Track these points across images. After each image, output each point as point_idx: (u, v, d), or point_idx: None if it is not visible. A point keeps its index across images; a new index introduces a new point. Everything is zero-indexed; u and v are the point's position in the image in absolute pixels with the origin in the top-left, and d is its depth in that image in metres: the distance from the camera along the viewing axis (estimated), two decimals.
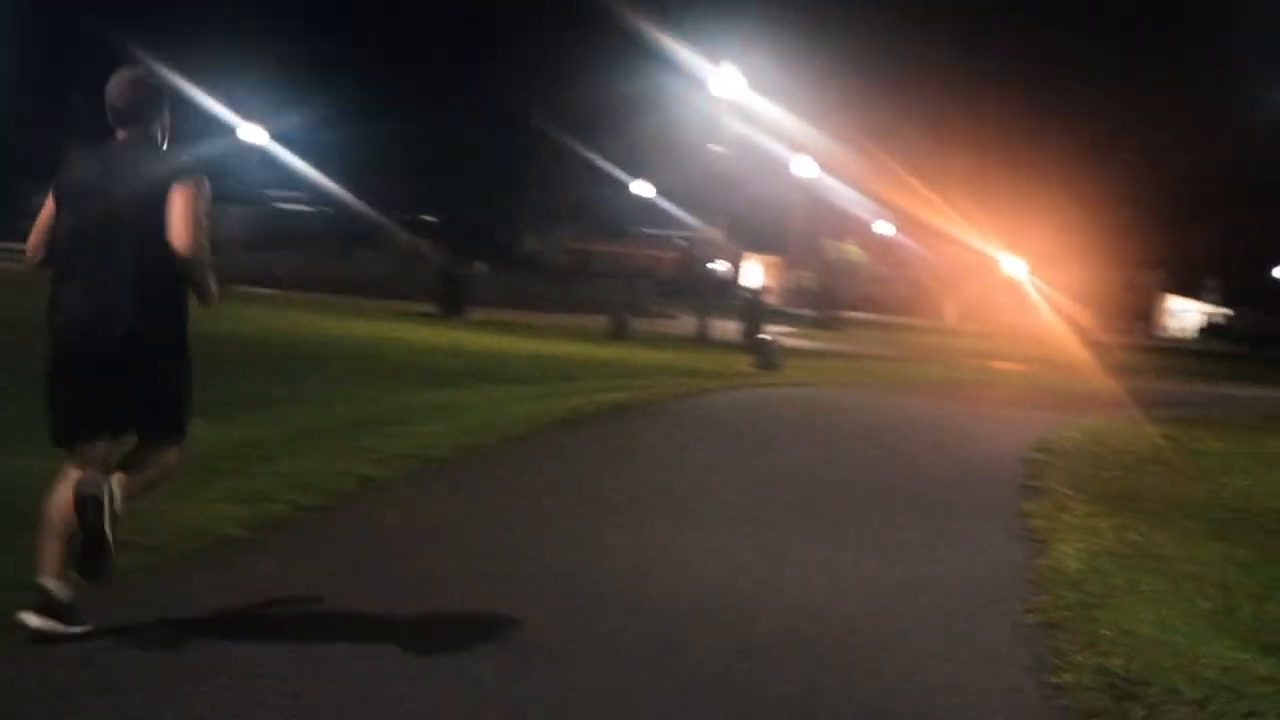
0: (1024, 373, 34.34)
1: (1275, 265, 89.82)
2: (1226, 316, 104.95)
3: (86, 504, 4.79)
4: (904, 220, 76.78)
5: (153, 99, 5.34)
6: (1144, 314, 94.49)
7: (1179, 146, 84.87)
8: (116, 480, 4.93)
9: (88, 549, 4.83)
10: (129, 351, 5.03)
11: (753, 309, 36.63)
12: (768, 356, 25.02)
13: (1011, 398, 23.53)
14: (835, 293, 68.91)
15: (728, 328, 36.36)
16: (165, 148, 5.35)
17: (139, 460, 5.16)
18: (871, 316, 72.31)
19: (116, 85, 5.27)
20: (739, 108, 38.79)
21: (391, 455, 9.39)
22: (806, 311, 62.60)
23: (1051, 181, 74.66)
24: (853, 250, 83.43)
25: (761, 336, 28.83)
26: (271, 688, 4.57)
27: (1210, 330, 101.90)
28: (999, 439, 14.89)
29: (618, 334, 32.37)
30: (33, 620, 4.83)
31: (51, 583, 4.89)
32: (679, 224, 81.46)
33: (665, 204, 75.98)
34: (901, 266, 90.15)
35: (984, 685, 5.29)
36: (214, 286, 5.18)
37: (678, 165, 65.21)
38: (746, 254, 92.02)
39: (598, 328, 33.81)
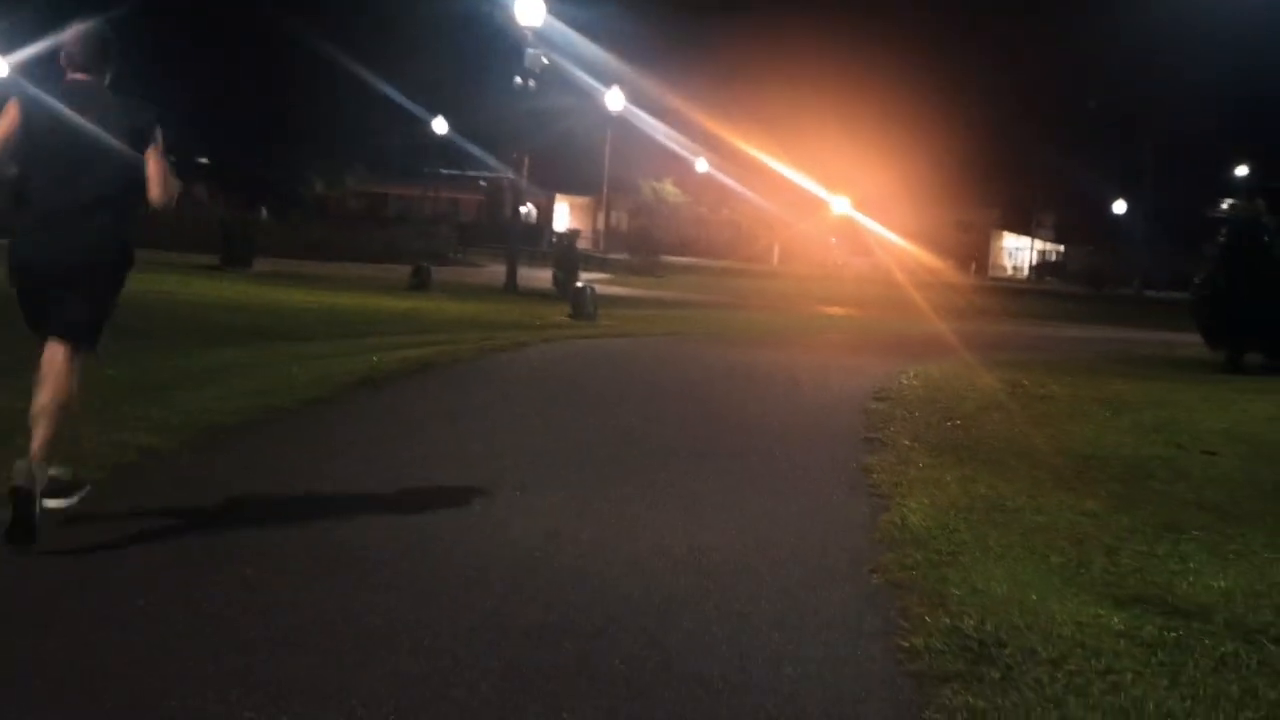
0: (856, 317, 34.99)
1: (1114, 201, 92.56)
2: (1059, 254, 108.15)
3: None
4: (725, 158, 77.33)
5: (107, 48, 6.57)
6: (977, 253, 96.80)
7: (1011, 76, 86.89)
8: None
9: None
10: (75, 277, 6.38)
11: (565, 255, 36.63)
12: (583, 306, 25.06)
13: (845, 344, 23.97)
14: (653, 236, 69.26)
15: (539, 276, 36.27)
16: (114, 91, 6.55)
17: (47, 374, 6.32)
18: (692, 260, 72.84)
19: (75, 34, 6.49)
20: (545, 37, 38.58)
21: (172, 423, 9.14)
22: (623, 256, 62.80)
23: (878, 116, 75.78)
24: (670, 190, 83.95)
25: (576, 284, 28.85)
26: None
27: (1044, 268, 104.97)
28: (834, 389, 15.13)
29: (419, 285, 32.12)
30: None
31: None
32: (481, 164, 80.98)
33: (465, 143, 75.39)
34: (723, 207, 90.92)
35: (829, 653, 5.32)
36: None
37: (478, 100, 64.76)
38: (557, 196, 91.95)
39: (396, 278, 33.49)
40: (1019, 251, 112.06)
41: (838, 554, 6.96)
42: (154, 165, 6.43)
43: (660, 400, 13.39)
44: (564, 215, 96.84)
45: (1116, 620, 5.85)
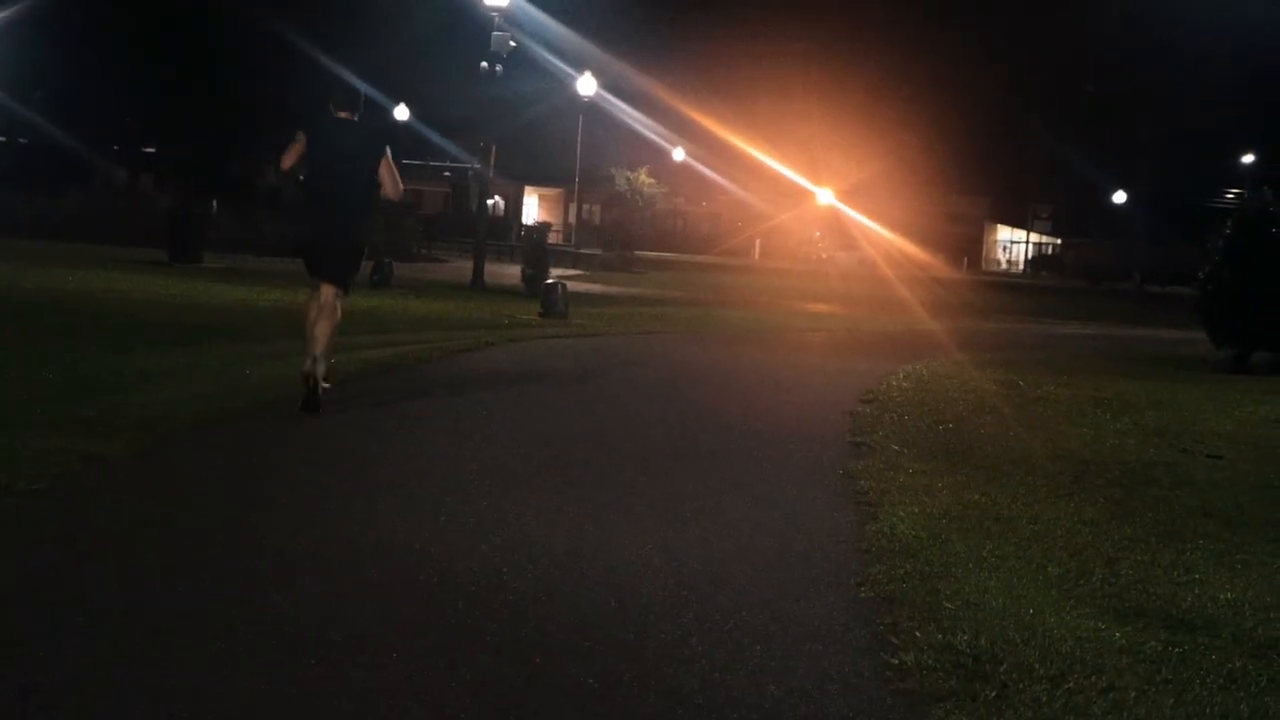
0: (841, 315, 35.02)
1: (1114, 192, 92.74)
2: (1055, 247, 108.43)
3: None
4: (704, 147, 77.26)
5: (359, 97, 11.23)
6: (969, 246, 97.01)
7: (1005, 59, 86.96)
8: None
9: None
10: (344, 245, 11.00)
11: (535, 250, 36.55)
12: (554, 304, 25.02)
13: (830, 343, 24.01)
14: (628, 229, 69.25)
15: (507, 272, 36.20)
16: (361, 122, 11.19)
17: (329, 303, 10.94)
18: (670, 255, 72.82)
19: (340, 89, 11.32)
20: (513, 19, 38.49)
21: (120, 427, 9.11)
22: (596, 251, 62.78)
23: (864, 103, 75.86)
24: (646, 181, 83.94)
25: (546, 281, 28.82)
26: None
27: (1040, 262, 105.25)
28: (819, 391, 15.15)
29: (380, 281, 31.96)
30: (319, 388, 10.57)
31: (312, 362, 10.51)
32: (445, 154, 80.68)
33: (428, 131, 75.14)
34: (702, 198, 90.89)
35: (815, 669, 5.31)
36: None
37: (442, 86, 64.56)
38: (526, 187, 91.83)
39: (357, 274, 33.37)
40: (1014, 245, 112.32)
41: (823, 564, 6.95)
42: (386, 170, 10.91)
43: (636, 402, 13.38)
44: (533, 208, 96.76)
45: (1118, 635, 5.86)
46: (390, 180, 10.92)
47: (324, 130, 10.94)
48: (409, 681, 4.88)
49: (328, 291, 10.90)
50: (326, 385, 10.64)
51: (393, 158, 10.94)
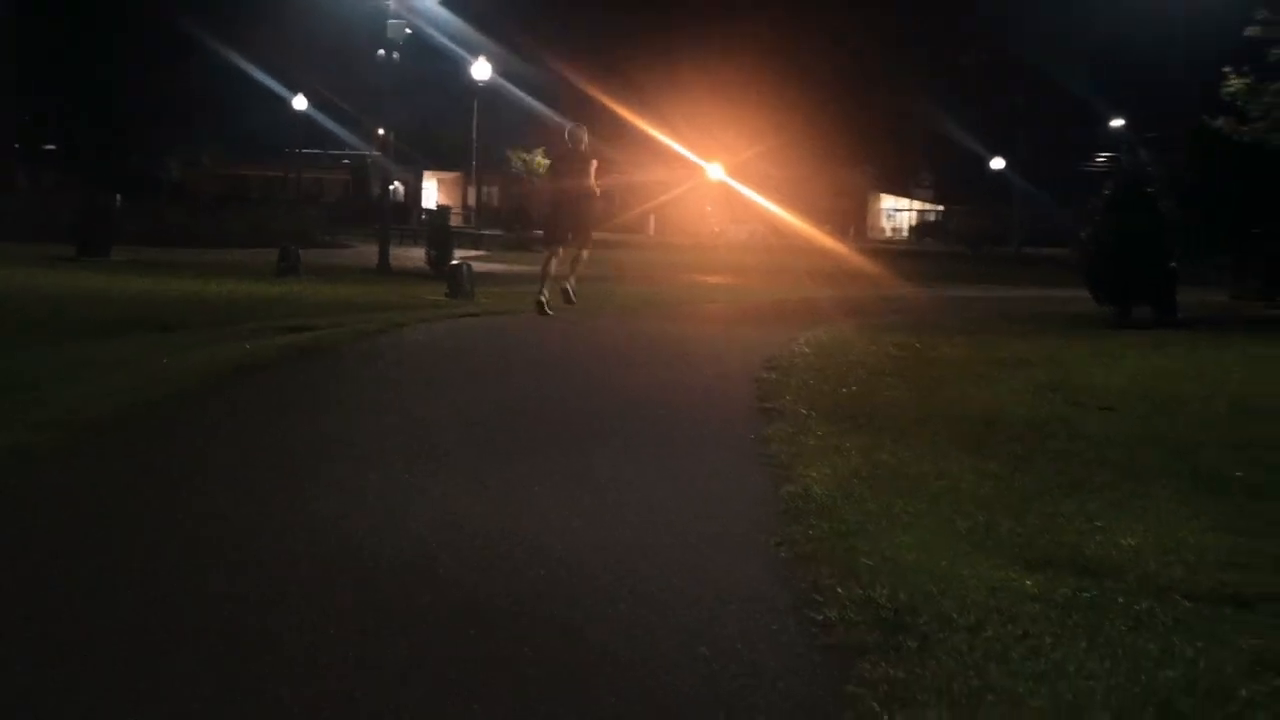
0: (737, 286, 35.14)
1: (992, 159, 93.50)
2: (938, 214, 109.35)
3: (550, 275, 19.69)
4: (596, 127, 76.95)
5: (581, 134, 19.51)
6: (855, 216, 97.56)
7: (881, 34, 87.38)
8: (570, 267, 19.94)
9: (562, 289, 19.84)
10: (580, 223, 19.60)
11: (438, 232, 36.41)
12: (460, 284, 24.95)
13: (729, 314, 24.10)
14: (526, 209, 69.05)
15: (411, 255, 35.98)
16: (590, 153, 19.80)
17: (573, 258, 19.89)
18: None
19: (570, 134, 19.56)
20: (408, 5, 38.22)
21: (39, 421, 8.93)
22: (497, 232, 62.59)
23: (749, 80, 75.98)
24: (542, 162, 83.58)
25: (452, 262, 28.72)
26: None
27: (923, 229, 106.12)
28: (723, 360, 15.18)
29: (288, 268, 31.70)
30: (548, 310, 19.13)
31: (546, 294, 19.13)
32: (343, 142, 79.99)
33: (326, 119, 74.50)
34: (596, 177, 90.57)
35: (740, 629, 5.31)
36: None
37: (338, 74, 64.02)
38: (425, 172, 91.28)
39: (263, 262, 33.06)
40: (898, 213, 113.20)
41: (742, 528, 6.95)
42: (593, 175, 19.00)
43: (547, 377, 13.34)
44: (433, 192, 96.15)
45: (1029, 583, 5.92)
46: (591, 180, 18.96)
47: (561, 155, 19.83)
48: (345, 661, 4.83)
49: (575, 250, 19.35)
50: (572, 289, 19.59)
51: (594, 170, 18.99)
